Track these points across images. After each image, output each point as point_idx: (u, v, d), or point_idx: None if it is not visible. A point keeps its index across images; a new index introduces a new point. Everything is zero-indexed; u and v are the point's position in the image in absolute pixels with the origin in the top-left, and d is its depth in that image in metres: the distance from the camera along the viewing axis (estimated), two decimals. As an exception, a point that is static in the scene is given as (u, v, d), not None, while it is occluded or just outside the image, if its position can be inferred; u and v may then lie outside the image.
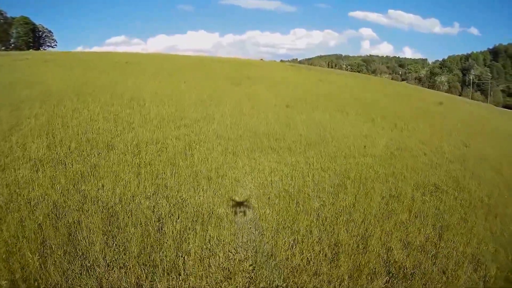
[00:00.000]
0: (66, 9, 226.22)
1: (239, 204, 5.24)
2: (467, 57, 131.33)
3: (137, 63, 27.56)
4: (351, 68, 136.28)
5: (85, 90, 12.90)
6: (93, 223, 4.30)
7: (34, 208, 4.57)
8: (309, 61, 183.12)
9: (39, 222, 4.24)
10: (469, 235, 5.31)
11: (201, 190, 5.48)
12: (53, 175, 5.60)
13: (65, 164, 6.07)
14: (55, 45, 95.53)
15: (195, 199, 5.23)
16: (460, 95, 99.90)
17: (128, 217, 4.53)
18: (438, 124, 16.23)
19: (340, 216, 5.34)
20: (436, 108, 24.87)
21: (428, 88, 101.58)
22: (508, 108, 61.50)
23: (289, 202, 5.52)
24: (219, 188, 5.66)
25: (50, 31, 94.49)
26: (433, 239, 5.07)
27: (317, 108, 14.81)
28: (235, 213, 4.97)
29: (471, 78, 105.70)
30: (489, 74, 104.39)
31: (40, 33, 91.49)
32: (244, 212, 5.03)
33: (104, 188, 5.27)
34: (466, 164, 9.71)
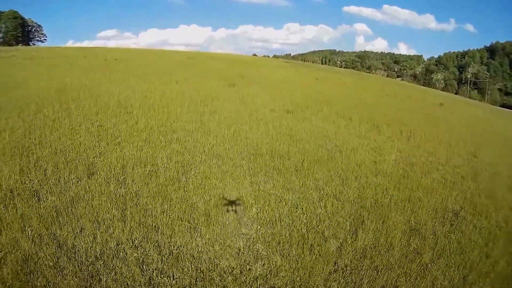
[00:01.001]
0: (56, 2, 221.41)
1: (246, 253, 4.40)
2: (463, 55, 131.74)
3: (126, 60, 26.42)
4: (345, 65, 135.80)
5: (69, 94, 11.85)
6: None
7: (2, 261, 3.74)
8: (303, 56, 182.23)
9: (8, 284, 3.41)
10: (492, 274, 4.85)
11: (198, 236, 4.62)
12: (24, 212, 4.70)
13: (39, 197, 5.16)
14: (45, 39, 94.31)
15: (192, 246, 4.38)
16: (456, 93, 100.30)
17: (112, 279, 3.67)
18: (443, 131, 15.59)
19: (362, 261, 4.59)
20: (438, 111, 24.32)
21: (424, 85, 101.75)
22: (505, 107, 61.57)
23: (303, 246, 4.72)
24: (220, 230, 4.81)
25: (39, 26, 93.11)
26: (458, 283, 4.53)
27: (319, 114, 14.00)
28: (242, 267, 4.13)
29: (468, 77, 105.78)
30: (487, 72, 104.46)
31: (29, 27, 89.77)
32: (252, 266, 4.18)
33: (83, 233, 4.38)
34: (478, 179, 9.18)
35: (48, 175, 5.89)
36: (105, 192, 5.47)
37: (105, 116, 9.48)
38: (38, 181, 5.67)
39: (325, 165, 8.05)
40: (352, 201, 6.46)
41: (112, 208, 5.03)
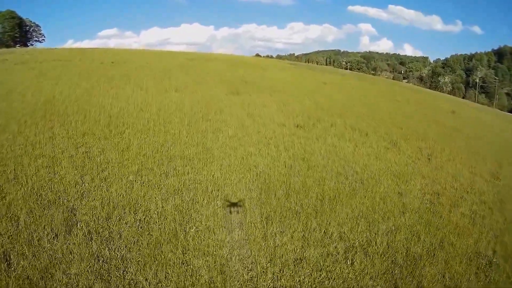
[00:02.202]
0: (56, 2, 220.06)
1: None
2: (470, 57, 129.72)
3: (123, 63, 25.23)
4: (351, 66, 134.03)
5: (56, 108, 10.63)
6: None
7: None
8: (307, 56, 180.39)
9: None
10: None
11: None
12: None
13: (9, 262, 4.12)
14: (43, 40, 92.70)
15: None
16: (463, 97, 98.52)
17: None
18: (461, 147, 14.45)
19: None
20: (451, 120, 23.05)
21: (430, 88, 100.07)
22: (513, 113, 60.17)
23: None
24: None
25: (37, 25, 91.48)
26: None
27: (333, 129, 12.76)
28: None
29: (477, 81, 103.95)
30: (495, 77, 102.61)
31: (27, 27, 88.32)
32: None
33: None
34: (505, 210, 8.47)
35: (20, 228, 4.78)
36: (86, 255, 4.32)
37: (92, 139, 8.28)
38: (9, 237, 4.55)
39: (347, 203, 6.87)
40: (382, 255, 5.42)
41: (93, 281, 3.89)
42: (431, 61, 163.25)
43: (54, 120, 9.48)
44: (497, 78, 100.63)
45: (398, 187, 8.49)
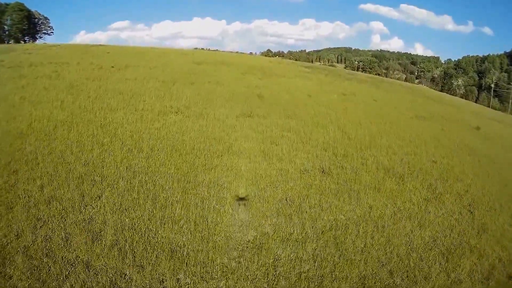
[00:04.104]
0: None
1: None
2: (483, 59, 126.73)
3: (123, 69, 22.99)
4: (363, 65, 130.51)
5: (24, 150, 8.52)
6: None
7: None
8: (318, 54, 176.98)
9: None
10: None
11: None
12: None
13: None
14: (52, 32, 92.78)
15: None
16: (476, 101, 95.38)
17: None
18: (498, 185, 12.34)
19: None
20: (480, 143, 20.55)
21: (442, 91, 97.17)
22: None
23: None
24: None
25: (46, 18, 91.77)
26: None
27: (364, 175, 10.48)
28: None
29: (492, 86, 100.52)
30: (510, 83, 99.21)
31: (36, 20, 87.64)
32: None
33: None
34: None
35: None
36: None
37: (56, 212, 6.10)
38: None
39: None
40: None
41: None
42: (442, 62, 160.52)
43: (18, 171, 7.36)
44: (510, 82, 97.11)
45: (448, 275, 6.29)
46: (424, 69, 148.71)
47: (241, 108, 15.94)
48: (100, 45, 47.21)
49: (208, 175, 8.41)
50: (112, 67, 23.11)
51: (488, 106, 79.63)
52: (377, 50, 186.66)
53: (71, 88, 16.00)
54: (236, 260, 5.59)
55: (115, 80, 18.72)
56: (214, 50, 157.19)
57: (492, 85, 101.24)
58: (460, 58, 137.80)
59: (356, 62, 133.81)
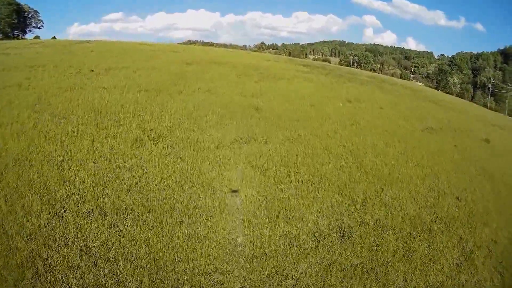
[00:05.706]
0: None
1: None
2: (477, 56, 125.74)
3: (105, 72, 20.34)
4: (358, 59, 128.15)
5: None
6: None
7: None
8: (312, 47, 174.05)
9: None
10: None
11: None
12: None
13: None
14: (42, 26, 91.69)
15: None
16: (472, 99, 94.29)
17: None
18: None
19: None
20: (491, 161, 18.60)
21: (438, 89, 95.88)
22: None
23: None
24: None
25: (36, 11, 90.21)
26: None
27: (388, 234, 8.41)
28: None
29: (490, 86, 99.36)
30: (508, 84, 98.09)
31: (26, 14, 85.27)
32: None
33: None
34: None
35: None
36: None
37: None
38: None
39: None
40: None
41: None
42: (436, 57, 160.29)
43: None
44: (510, 85, 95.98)
45: None
46: (418, 64, 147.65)
47: (236, 129, 13.63)
48: (87, 41, 43.89)
49: (191, 263, 6.14)
50: (92, 70, 20.43)
51: (485, 106, 78.45)
52: (371, 44, 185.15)
53: (38, 102, 13.53)
54: None
55: (91, 90, 16.16)
56: (207, 43, 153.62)
57: (490, 84, 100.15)
58: (454, 54, 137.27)
59: (351, 57, 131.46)
